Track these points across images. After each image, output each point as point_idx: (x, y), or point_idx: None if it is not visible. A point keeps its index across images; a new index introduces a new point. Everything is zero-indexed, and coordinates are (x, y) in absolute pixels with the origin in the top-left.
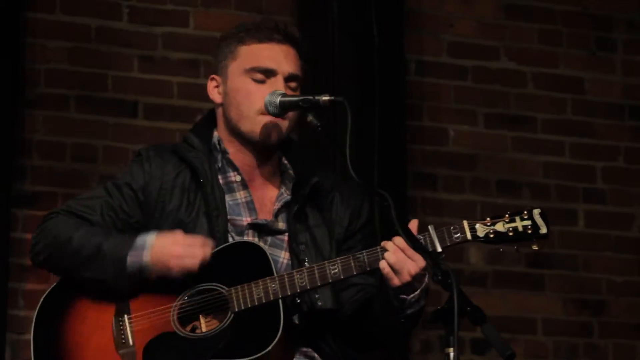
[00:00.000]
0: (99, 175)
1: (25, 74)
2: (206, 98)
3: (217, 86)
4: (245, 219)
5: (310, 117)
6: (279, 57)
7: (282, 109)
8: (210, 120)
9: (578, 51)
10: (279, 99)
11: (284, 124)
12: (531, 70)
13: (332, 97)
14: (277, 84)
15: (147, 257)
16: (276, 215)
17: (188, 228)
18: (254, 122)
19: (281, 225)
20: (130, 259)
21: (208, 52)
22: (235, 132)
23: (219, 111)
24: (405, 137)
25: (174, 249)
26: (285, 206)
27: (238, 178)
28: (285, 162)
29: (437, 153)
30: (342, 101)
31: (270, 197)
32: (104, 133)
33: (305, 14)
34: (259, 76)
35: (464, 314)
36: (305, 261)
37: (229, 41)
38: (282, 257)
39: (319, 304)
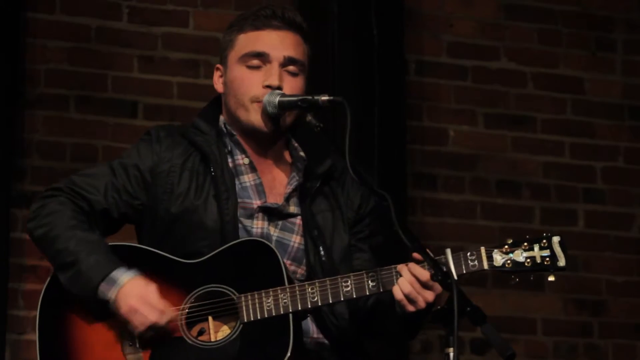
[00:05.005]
0: None
1: (25, 74)
2: (206, 98)
3: (221, 76)
4: (255, 202)
5: (309, 117)
6: (274, 42)
7: (280, 109)
8: (216, 106)
9: (578, 51)
10: (277, 98)
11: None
12: (531, 70)
13: (332, 97)
14: (272, 69)
15: (113, 294)
16: (287, 198)
17: (198, 211)
18: (249, 110)
19: (292, 209)
20: (101, 289)
21: (208, 52)
22: (235, 120)
23: (223, 100)
24: (405, 137)
25: (133, 301)
26: (297, 189)
27: (246, 161)
28: (296, 145)
29: (437, 153)
30: (342, 101)
31: (280, 180)
32: (103, 133)
33: (305, 14)
34: (254, 62)
35: (464, 314)
36: (320, 248)
37: (230, 30)
38: (294, 241)
39: (332, 319)
